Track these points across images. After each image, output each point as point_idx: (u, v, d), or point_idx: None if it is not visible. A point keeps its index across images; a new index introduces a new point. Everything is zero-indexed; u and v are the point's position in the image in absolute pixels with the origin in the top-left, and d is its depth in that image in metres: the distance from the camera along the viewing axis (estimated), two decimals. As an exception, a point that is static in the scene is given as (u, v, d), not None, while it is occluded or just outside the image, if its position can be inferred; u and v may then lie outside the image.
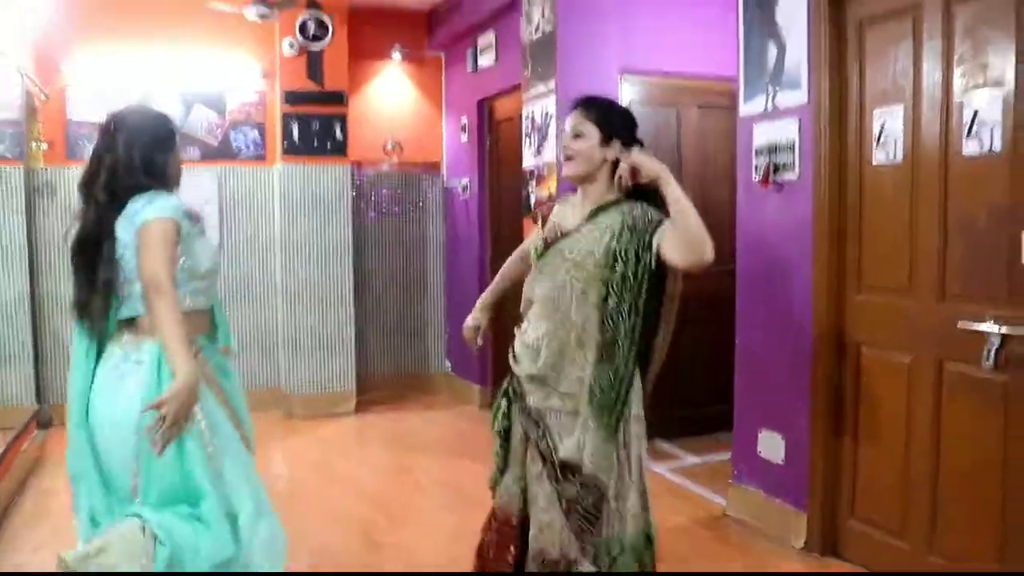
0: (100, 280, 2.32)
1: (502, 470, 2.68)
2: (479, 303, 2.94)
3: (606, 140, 2.54)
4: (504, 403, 2.68)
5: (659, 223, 2.45)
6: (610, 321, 2.45)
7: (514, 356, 2.65)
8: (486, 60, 6.00)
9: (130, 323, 2.37)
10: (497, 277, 2.96)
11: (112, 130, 2.41)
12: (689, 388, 5.08)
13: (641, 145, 2.60)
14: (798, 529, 3.58)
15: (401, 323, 6.86)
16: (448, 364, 6.89)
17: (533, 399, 2.56)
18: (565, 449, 2.48)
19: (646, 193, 2.53)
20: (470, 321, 2.92)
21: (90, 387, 2.34)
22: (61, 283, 5.48)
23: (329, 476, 4.77)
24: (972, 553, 2.90)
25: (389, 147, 6.68)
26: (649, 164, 2.43)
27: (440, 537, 3.80)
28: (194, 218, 2.45)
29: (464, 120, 6.44)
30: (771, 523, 3.73)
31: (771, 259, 3.75)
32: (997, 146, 2.77)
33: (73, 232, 2.44)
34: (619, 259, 2.44)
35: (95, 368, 2.35)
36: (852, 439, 3.43)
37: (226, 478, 2.32)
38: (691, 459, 4.87)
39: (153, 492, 2.27)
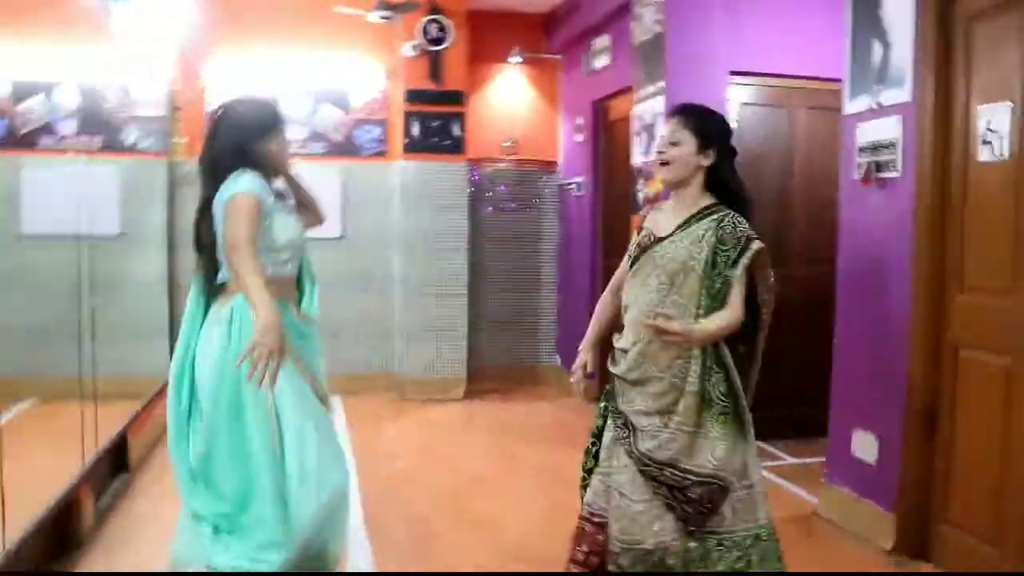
0: (206, 251, 2.62)
1: (590, 469, 2.74)
2: (584, 345, 2.88)
3: (703, 147, 2.63)
4: (603, 404, 2.76)
5: (748, 240, 2.55)
6: None
7: (612, 358, 2.73)
8: (600, 62, 6.12)
9: (223, 287, 2.64)
10: (593, 319, 2.92)
11: (218, 117, 2.68)
12: (792, 389, 5.03)
13: (735, 153, 2.70)
14: (887, 531, 3.54)
15: (513, 316, 7.05)
16: (557, 358, 7.03)
17: (624, 400, 2.64)
18: (679, 456, 2.53)
19: (736, 198, 2.62)
20: (579, 361, 2.86)
21: (194, 336, 2.63)
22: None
23: (431, 453, 5.00)
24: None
25: (507, 146, 6.89)
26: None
27: (529, 514, 3.95)
28: (279, 196, 2.70)
29: (579, 120, 6.58)
30: (860, 524, 3.70)
31: (871, 258, 3.72)
32: (1104, 142, 2.71)
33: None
34: (709, 268, 2.54)
35: (202, 323, 2.64)
36: (946, 442, 3.37)
37: (287, 435, 2.56)
38: (789, 459, 4.84)
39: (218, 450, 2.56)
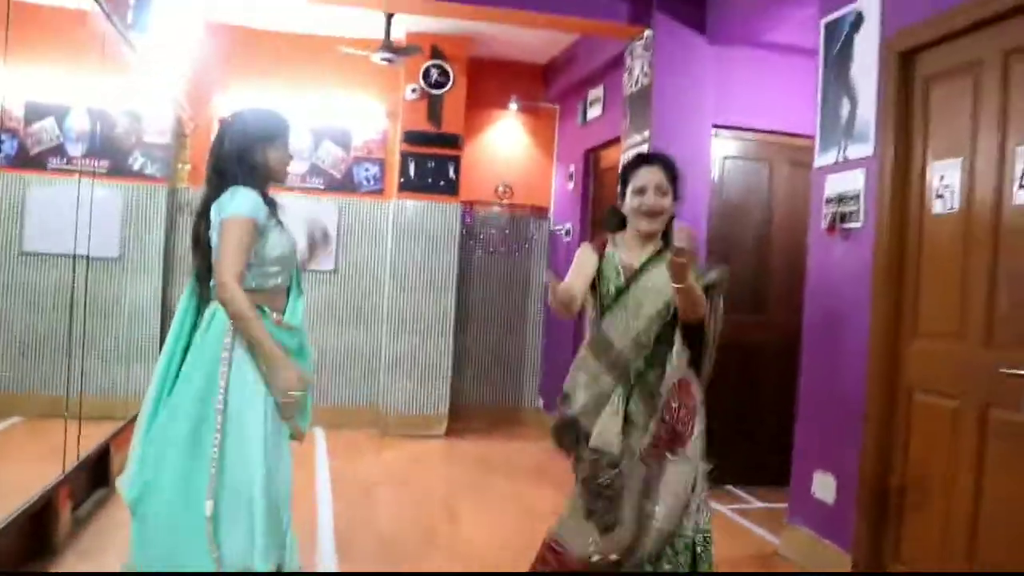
0: (200, 250, 2.75)
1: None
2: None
3: (675, 197, 2.86)
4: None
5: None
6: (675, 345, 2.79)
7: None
8: (594, 112, 6.34)
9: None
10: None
11: (226, 124, 2.81)
12: (767, 435, 5.14)
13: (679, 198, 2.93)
14: (844, 569, 3.63)
15: (499, 357, 7.18)
16: (540, 400, 7.14)
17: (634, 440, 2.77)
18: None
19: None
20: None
21: (183, 335, 2.72)
22: (192, 290, 6.14)
23: (408, 483, 5.10)
24: (1005, 600, 2.92)
25: (500, 190, 7.09)
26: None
27: (493, 540, 4.04)
28: (272, 209, 2.78)
29: (571, 168, 6.79)
30: (820, 563, 3.79)
31: (834, 305, 3.87)
32: (1044, 198, 2.87)
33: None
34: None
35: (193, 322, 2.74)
36: (900, 483, 3.48)
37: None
38: (757, 503, 4.93)
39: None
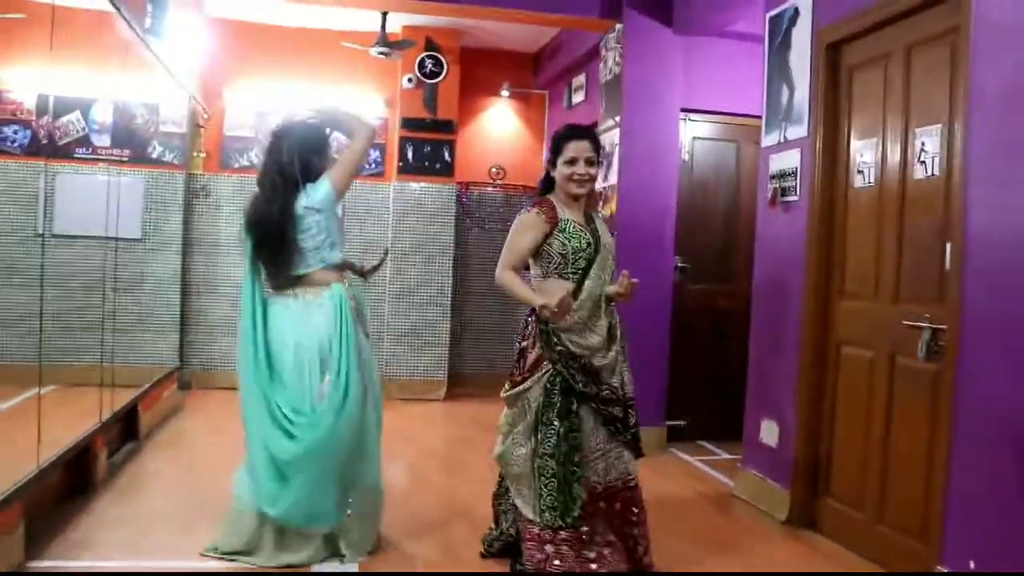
0: (282, 248, 3.28)
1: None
2: (535, 295, 3.19)
3: (599, 163, 3.37)
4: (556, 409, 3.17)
5: None
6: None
7: (570, 361, 3.16)
8: (578, 97, 6.80)
9: (303, 278, 3.32)
10: (521, 282, 3.31)
11: (279, 138, 3.35)
12: (733, 396, 5.59)
13: None
14: (783, 506, 4.11)
15: (494, 327, 7.67)
16: (534, 369, 7.62)
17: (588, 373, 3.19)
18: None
19: None
20: (561, 295, 3.06)
21: (259, 320, 3.31)
22: (207, 268, 6.68)
23: (405, 438, 5.59)
24: (907, 522, 3.39)
25: (494, 171, 7.56)
26: None
27: (478, 485, 4.53)
28: None
29: (560, 150, 7.23)
30: (766, 501, 4.27)
31: (777, 270, 4.33)
32: (936, 171, 3.31)
33: (249, 214, 3.36)
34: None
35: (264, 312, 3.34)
36: (829, 426, 3.96)
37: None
38: (724, 455, 5.41)
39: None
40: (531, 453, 3.17)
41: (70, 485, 3.89)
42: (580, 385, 3.13)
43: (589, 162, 3.26)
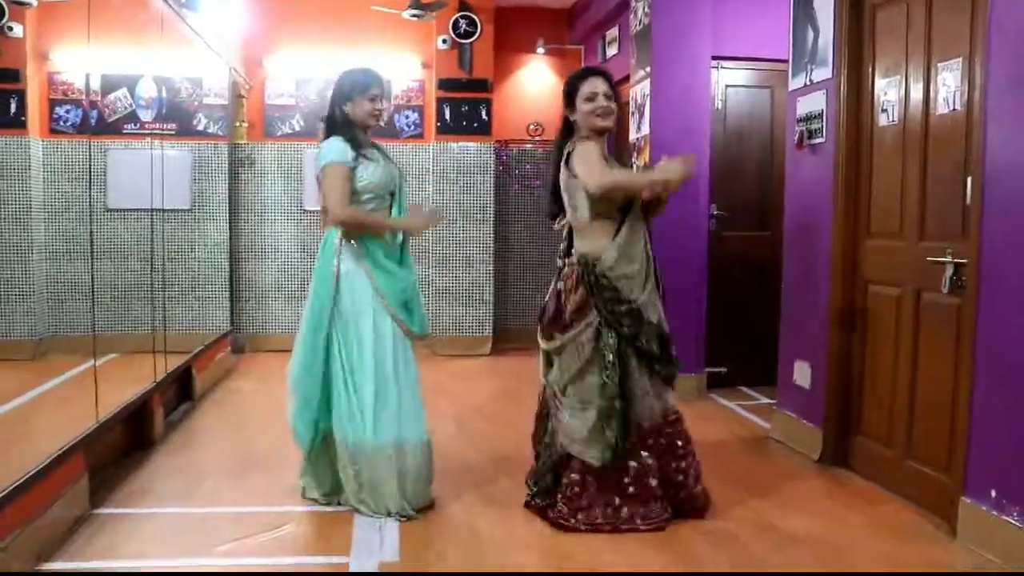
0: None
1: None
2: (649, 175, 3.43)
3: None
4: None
5: None
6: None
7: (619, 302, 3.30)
8: (612, 51, 6.80)
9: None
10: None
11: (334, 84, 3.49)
12: (773, 342, 5.63)
13: None
14: (816, 445, 4.17)
15: (539, 283, 7.76)
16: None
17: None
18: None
19: None
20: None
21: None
22: (253, 235, 6.93)
23: (451, 392, 5.76)
24: (933, 456, 3.43)
25: (532, 128, 7.62)
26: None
27: (518, 433, 4.66)
28: (361, 149, 3.41)
29: (596, 104, 7.26)
30: (800, 442, 4.33)
31: (805, 213, 4.34)
32: (958, 105, 3.30)
33: None
34: None
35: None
36: (860, 365, 4.00)
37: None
38: (763, 399, 5.46)
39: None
40: (587, 394, 3.27)
41: (131, 441, 4.14)
42: (626, 329, 3.23)
43: (607, 96, 3.35)
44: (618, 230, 3.28)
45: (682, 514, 3.36)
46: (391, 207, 3.54)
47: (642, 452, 3.28)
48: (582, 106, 3.34)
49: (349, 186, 3.34)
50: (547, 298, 3.49)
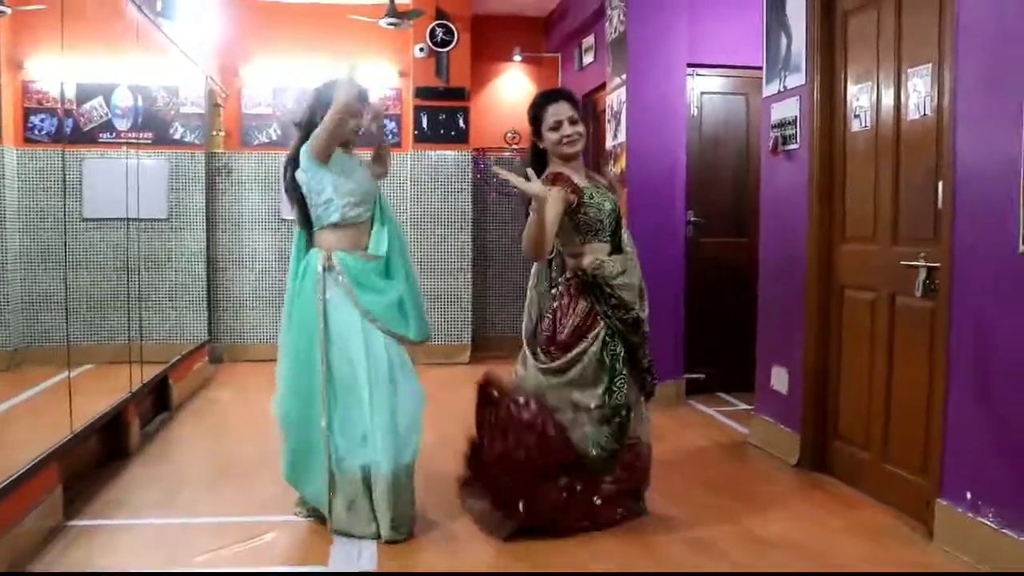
0: (298, 199, 3.36)
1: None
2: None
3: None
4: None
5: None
6: None
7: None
8: (588, 59, 6.83)
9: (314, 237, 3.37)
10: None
11: (312, 95, 3.38)
12: (750, 348, 5.65)
13: None
14: (794, 450, 4.19)
15: (518, 291, 7.75)
16: (558, 330, 7.73)
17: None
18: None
19: None
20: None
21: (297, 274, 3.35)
22: (231, 244, 6.90)
23: (432, 401, 5.70)
24: (910, 459, 3.46)
25: (509, 136, 7.63)
26: None
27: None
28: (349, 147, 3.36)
29: (573, 112, 7.29)
30: (778, 447, 4.35)
31: (781, 218, 4.38)
32: (928, 111, 3.34)
33: None
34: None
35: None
36: (836, 370, 4.03)
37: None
38: (741, 405, 5.48)
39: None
40: (595, 407, 3.24)
41: (106, 452, 4.10)
42: (635, 339, 3.29)
43: (572, 121, 3.32)
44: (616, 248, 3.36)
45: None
46: (372, 220, 3.40)
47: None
48: (549, 135, 3.33)
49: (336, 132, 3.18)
50: (529, 320, 3.52)
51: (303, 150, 3.26)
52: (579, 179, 3.35)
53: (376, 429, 3.21)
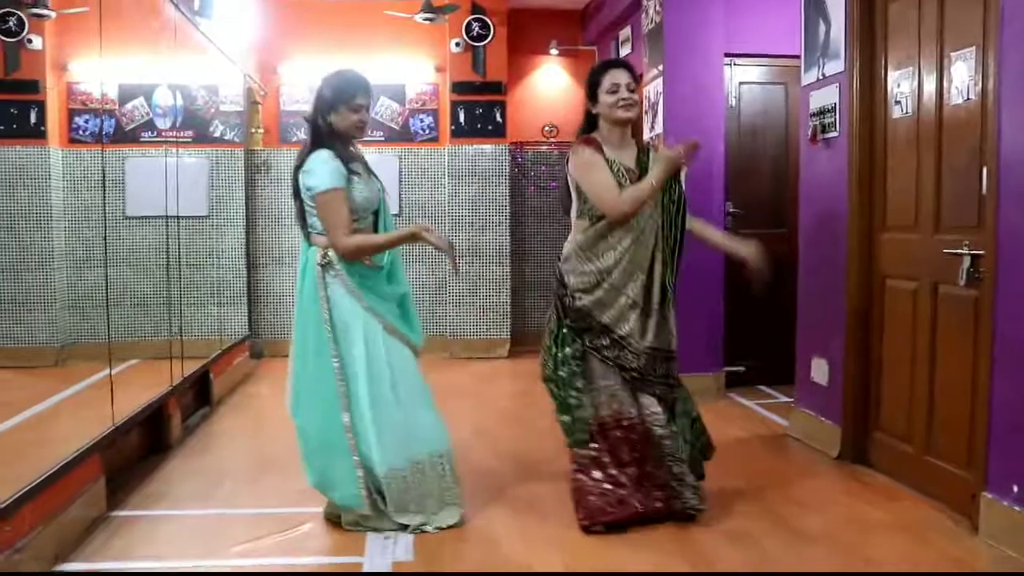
0: (298, 198, 3.26)
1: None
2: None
3: None
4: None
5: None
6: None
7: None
8: (625, 51, 6.78)
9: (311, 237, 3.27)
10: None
11: (317, 88, 3.24)
12: (791, 341, 5.57)
13: None
14: (835, 442, 4.12)
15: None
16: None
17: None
18: None
19: None
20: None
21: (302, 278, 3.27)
22: (270, 241, 6.98)
23: (469, 395, 5.76)
24: (953, 451, 3.38)
25: (547, 130, 7.61)
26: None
27: (531, 436, 4.65)
28: (352, 164, 3.19)
29: (610, 104, 7.25)
30: (818, 439, 4.28)
31: (820, 208, 4.31)
32: (972, 95, 3.26)
33: None
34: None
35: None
36: (878, 361, 3.95)
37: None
38: (781, 398, 5.41)
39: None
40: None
41: (148, 445, 4.17)
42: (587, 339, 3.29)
43: (630, 88, 3.30)
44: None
45: None
46: (375, 225, 3.32)
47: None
48: (604, 98, 3.28)
49: (347, 209, 3.13)
50: None
51: (312, 186, 3.14)
52: (614, 152, 3.30)
53: (370, 425, 3.16)
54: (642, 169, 3.30)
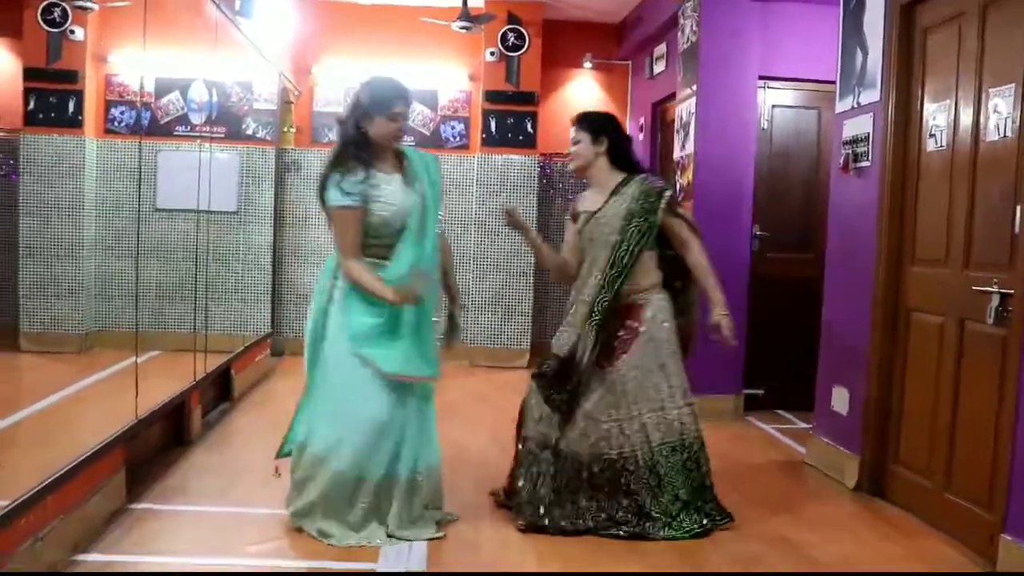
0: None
1: None
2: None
3: (596, 139, 3.49)
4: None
5: (663, 188, 3.50)
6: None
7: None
8: (659, 67, 6.79)
9: None
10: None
11: (355, 93, 3.25)
12: (813, 366, 5.56)
13: (629, 139, 3.66)
14: (852, 472, 4.10)
15: (577, 299, 7.76)
16: (616, 338, 7.70)
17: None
18: None
19: (641, 168, 3.62)
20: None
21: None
22: (297, 239, 7.04)
23: (487, 402, 5.78)
24: (974, 490, 3.36)
25: (576, 143, 7.62)
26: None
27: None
28: (383, 174, 3.16)
29: (642, 120, 7.26)
30: (836, 468, 4.26)
31: (849, 236, 4.29)
32: (1009, 133, 3.24)
33: None
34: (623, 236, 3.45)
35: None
36: (900, 394, 3.93)
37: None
38: (800, 424, 5.38)
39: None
40: None
41: (169, 438, 4.21)
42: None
43: (574, 142, 3.55)
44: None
45: None
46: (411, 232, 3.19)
47: None
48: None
49: (358, 229, 3.11)
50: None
51: (329, 205, 3.13)
52: (589, 198, 3.62)
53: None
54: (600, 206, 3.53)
